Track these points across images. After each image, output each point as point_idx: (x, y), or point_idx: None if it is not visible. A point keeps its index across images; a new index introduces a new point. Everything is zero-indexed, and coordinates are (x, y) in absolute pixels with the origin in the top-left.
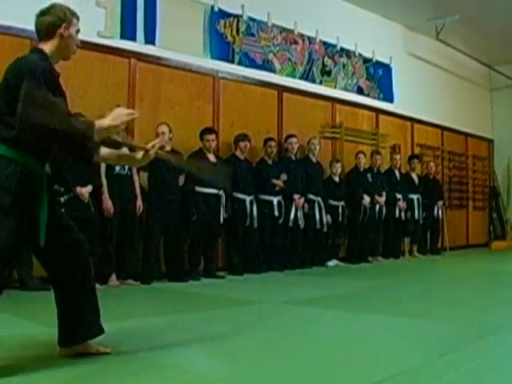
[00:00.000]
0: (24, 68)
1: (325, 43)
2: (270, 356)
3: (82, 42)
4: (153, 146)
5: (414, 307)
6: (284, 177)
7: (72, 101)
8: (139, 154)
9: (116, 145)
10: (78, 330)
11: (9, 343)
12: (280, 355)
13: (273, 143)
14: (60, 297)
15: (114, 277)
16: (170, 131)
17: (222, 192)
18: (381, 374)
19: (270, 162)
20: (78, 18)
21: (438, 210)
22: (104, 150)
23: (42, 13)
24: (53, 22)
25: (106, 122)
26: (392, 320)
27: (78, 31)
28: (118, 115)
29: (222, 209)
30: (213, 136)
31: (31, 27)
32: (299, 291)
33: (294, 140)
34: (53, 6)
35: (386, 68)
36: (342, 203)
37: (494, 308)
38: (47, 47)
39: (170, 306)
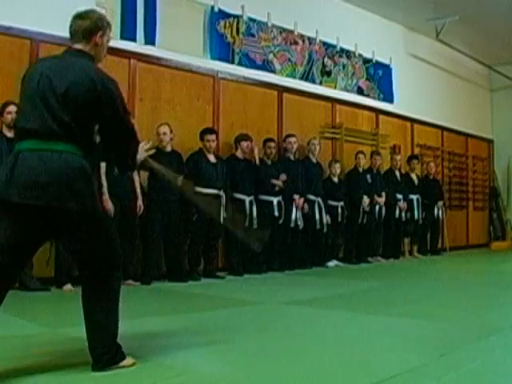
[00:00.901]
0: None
1: (325, 43)
2: (270, 356)
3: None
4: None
5: (414, 308)
6: (283, 177)
7: None
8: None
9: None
10: None
11: (8, 343)
12: (280, 355)
13: (272, 144)
14: None
15: None
16: (171, 132)
17: (222, 192)
18: (381, 375)
19: (269, 162)
20: (110, 28)
21: (438, 211)
22: None
23: (81, 16)
24: (90, 28)
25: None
26: (392, 320)
27: (108, 40)
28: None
29: (222, 209)
30: (213, 136)
31: (32, 28)
32: (299, 292)
33: (293, 139)
34: (92, 11)
35: (386, 68)
36: (341, 203)
37: (495, 308)
38: (87, 50)
39: (170, 307)
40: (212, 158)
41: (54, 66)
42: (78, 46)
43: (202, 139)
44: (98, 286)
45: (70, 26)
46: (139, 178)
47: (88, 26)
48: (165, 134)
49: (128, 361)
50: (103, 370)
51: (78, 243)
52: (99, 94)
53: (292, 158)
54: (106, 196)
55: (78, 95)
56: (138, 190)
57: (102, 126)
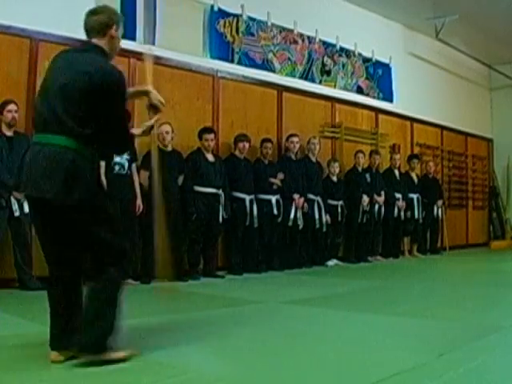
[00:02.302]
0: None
1: (324, 43)
2: (269, 355)
3: (81, 41)
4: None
5: (413, 307)
6: (281, 175)
7: None
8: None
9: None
10: None
11: (8, 343)
12: (280, 355)
13: (269, 144)
14: None
15: None
16: (173, 131)
17: (221, 191)
18: (380, 374)
19: (265, 161)
20: (122, 22)
21: (437, 210)
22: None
23: (94, 12)
24: (106, 22)
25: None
26: (392, 319)
27: (121, 34)
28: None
29: (221, 208)
30: (212, 135)
31: (31, 27)
32: (299, 291)
33: (295, 139)
34: (105, 7)
35: (386, 67)
36: (340, 203)
37: (494, 307)
38: (102, 44)
39: (169, 306)
40: (210, 157)
41: (67, 58)
42: (94, 41)
43: (200, 138)
44: (94, 278)
45: (85, 23)
46: (139, 178)
47: (103, 20)
48: (167, 133)
49: (119, 354)
50: (93, 352)
51: (72, 235)
52: (96, 86)
53: (293, 157)
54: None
55: (75, 88)
56: (138, 190)
57: (97, 121)
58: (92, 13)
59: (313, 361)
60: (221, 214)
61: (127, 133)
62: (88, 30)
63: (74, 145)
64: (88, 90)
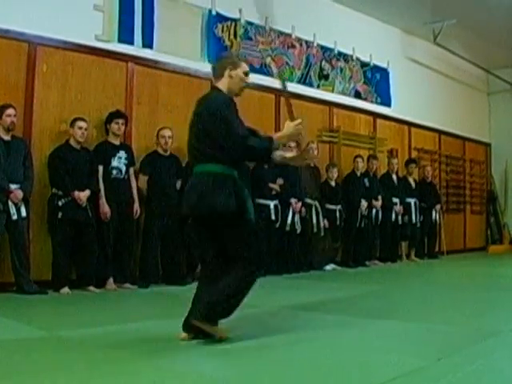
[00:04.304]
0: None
1: (322, 47)
2: (268, 359)
3: (80, 45)
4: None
5: (411, 311)
6: (280, 181)
7: (70, 104)
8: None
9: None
10: None
11: (6, 347)
12: (278, 359)
13: None
14: None
15: (111, 280)
16: (172, 135)
17: None
18: (378, 378)
19: (265, 166)
20: (246, 62)
21: (435, 214)
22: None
23: (219, 57)
24: (223, 66)
25: (280, 134)
26: (390, 324)
27: (246, 73)
28: (287, 127)
29: None
30: None
31: (29, 31)
32: (297, 295)
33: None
34: (228, 52)
35: (384, 72)
36: (338, 207)
37: (492, 311)
38: (220, 85)
39: (167, 310)
40: None
41: (200, 101)
42: (214, 83)
43: None
44: (234, 269)
45: (211, 68)
46: (137, 182)
47: (221, 65)
48: (170, 137)
49: (222, 333)
50: (198, 321)
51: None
52: (209, 117)
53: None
54: (103, 200)
55: (197, 123)
56: (135, 194)
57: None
58: (216, 59)
59: (311, 364)
60: None
61: (246, 146)
62: (212, 74)
63: (215, 167)
64: (204, 122)
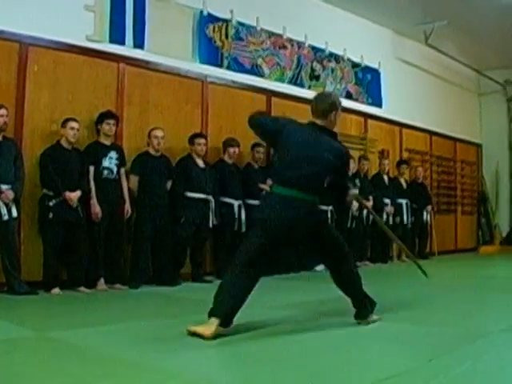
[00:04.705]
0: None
1: (313, 48)
2: (260, 360)
3: (71, 45)
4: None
5: (402, 312)
6: (270, 181)
7: (61, 104)
8: None
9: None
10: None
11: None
12: (268, 359)
13: (261, 149)
14: None
15: (102, 281)
16: (164, 136)
17: (211, 197)
18: (369, 379)
19: (256, 166)
20: (341, 105)
21: (426, 215)
22: None
23: (321, 98)
24: (327, 109)
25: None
26: (380, 325)
27: (339, 116)
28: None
29: (211, 214)
30: (204, 140)
31: (20, 31)
32: (287, 296)
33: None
34: (329, 95)
35: (375, 73)
36: (330, 208)
37: (483, 312)
38: (328, 125)
39: (158, 311)
40: (201, 163)
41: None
42: (318, 121)
43: (192, 143)
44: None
45: (313, 106)
46: (128, 182)
47: (326, 107)
48: (162, 137)
49: (375, 317)
50: (364, 319)
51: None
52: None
53: None
54: (94, 200)
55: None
56: (126, 195)
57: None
58: (318, 98)
59: (302, 366)
60: (211, 219)
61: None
62: (313, 111)
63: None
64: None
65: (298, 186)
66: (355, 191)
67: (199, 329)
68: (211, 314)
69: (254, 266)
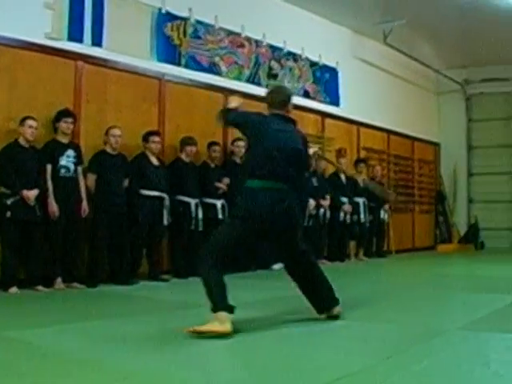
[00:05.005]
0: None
1: (272, 46)
2: (214, 359)
3: (30, 43)
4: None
5: (360, 310)
6: (226, 180)
7: (18, 102)
8: None
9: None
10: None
11: None
12: (223, 359)
13: (217, 148)
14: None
15: (59, 280)
16: (121, 134)
17: (165, 195)
18: (326, 377)
19: (212, 165)
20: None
21: (383, 214)
22: None
23: (281, 88)
24: (287, 99)
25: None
26: (337, 323)
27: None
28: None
29: (165, 212)
30: (158, 138)
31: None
32: (242, 294)
33: (241, 143)
34: (285, 86)
35: (333, 72)
36: None
37: (440, 311)
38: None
39: (115, 310)
40: (155, 161)
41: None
42: (280, 112)
43: (146, 141)
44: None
45: (271, 98)
46: (85, 181)
47: (284, 98)
48: (120, 136)
49: (339, 309)
50: (333, 315)
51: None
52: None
53: (239, 161)
54: (52, 199)
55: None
56: (83, 193)
57: None
58: (274, 91)
59: (255, 364)
60: (165, 217)
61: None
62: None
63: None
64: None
65: (280, 178)
66: (315, 149)
67: (214, 328)
68: (215, 309)
69: (228, 259)
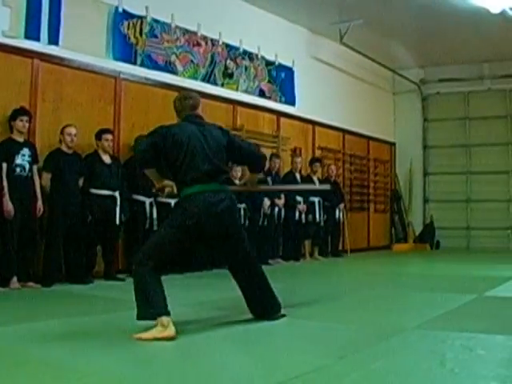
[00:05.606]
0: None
1: (228, 45)
2: (169, 359)
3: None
4: None
5: (314, 309)
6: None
7: None
8: None
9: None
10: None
11: None
12: (177, 358)
13: None
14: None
15: (14, 279)
16: (76, 133)
17: (117, 194)
18: (280, 377)
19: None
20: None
21: (339, 213)
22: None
23: (189, 93)
24: (198, 102)
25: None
26: (291, 322)
27: None
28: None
29: (118, 210)
30: (111, 136)
31: None
32: (197, 294)
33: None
34: (191, 92)
35: (289, 71)
36: (243, 206)
37: (396, 310)
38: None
39: (70, 309)
40: (107, 159)
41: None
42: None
43: (99, 139)
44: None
45: (183, 103)
46: (40, 180)
47: (197, 102)
48: (75, 135)
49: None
50: (275, 319)
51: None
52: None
53: None
54: (7, 197)
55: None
56: (38, 192)
57: None
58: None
59: (211, 363)
60: (117, 216)
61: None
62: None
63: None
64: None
65: (215, 178)
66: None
67: (160, 334)
68: (157, 315)
69: (168, 264)
